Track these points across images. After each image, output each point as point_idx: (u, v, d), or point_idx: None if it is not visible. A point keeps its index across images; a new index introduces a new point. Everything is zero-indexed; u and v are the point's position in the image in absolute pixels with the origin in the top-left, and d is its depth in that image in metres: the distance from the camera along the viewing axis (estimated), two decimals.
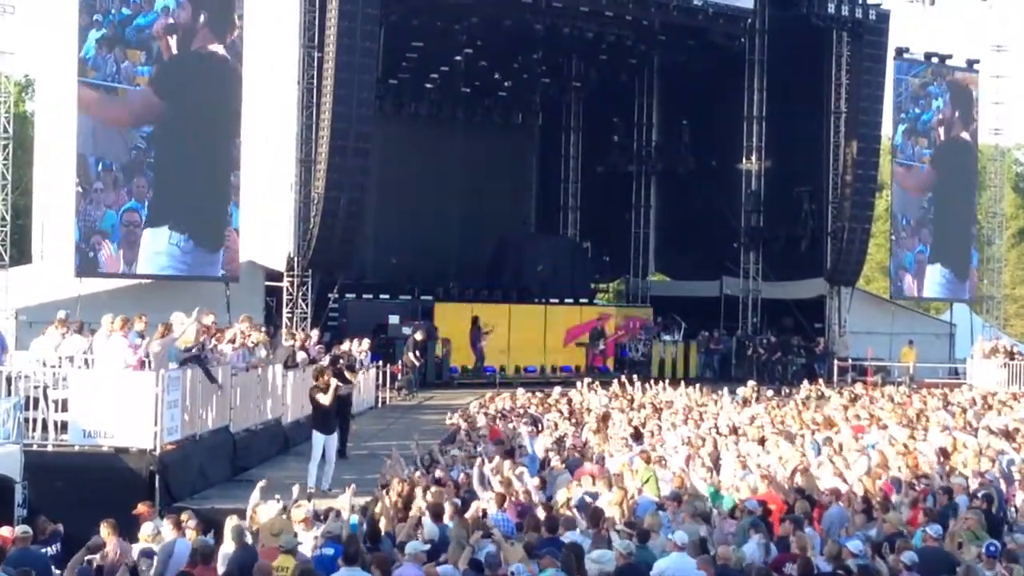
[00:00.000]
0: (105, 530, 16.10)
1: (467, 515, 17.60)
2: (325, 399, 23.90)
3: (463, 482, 20.71)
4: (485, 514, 17.80)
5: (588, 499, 19.02)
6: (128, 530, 16.87)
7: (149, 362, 22.48)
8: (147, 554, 15.74)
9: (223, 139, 38.83)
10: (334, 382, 24.40)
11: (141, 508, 17.70)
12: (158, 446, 21.81)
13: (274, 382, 28.69)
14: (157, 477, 21.49)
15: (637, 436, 25.86)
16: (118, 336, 22.84)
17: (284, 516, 17.20)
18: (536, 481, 20.38)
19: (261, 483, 19.04)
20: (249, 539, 16.14)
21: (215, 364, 24.96)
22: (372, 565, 14.60)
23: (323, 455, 23.67)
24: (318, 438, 23.74)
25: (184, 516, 17.09)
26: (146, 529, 16.67)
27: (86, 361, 22.94)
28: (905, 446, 24.03)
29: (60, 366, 22.69)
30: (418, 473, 21.50)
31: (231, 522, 16.77)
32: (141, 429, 21.85)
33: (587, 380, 37.52)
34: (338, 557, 15.15)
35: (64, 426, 22.12)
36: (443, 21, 46.20)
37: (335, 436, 24.32)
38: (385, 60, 44.57)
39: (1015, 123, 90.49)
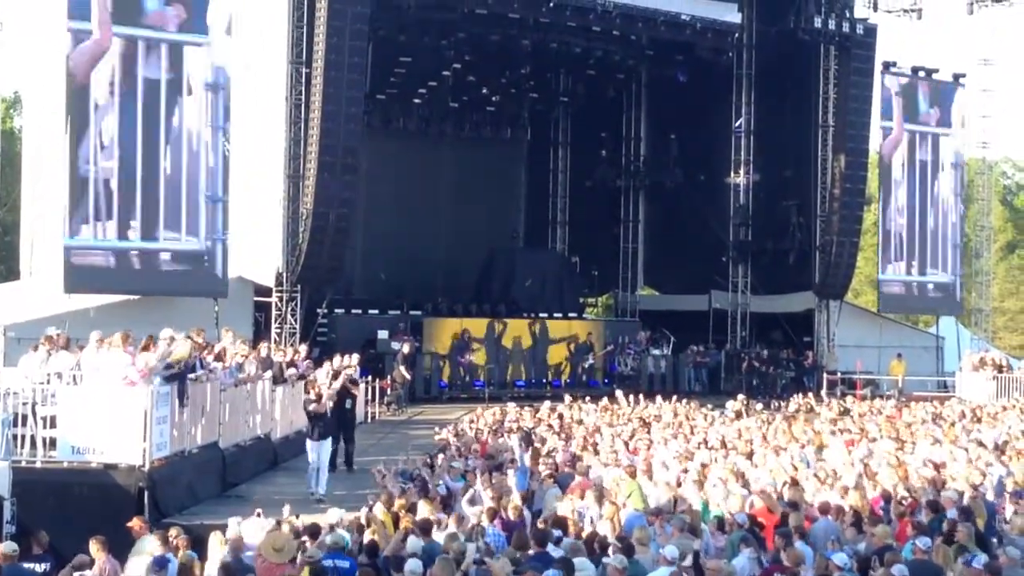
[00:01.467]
0: (95, 547, 16.04)
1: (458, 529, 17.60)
2: (319, 407, 25.36)
3: (456, 494, 20.75)
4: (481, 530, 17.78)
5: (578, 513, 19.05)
6: (117, 547, 16.81)
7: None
8: (160, 563, 15.66)
9: None
10: (326, 391, 25.49)
11: (135, 523, 17.66)
12: (147, 462, 21.78)
13: (263, 398, 28.67)
14: (146, 493, 21.46)
15: (626, 450, 25.90)
16: (119, 351, 22.80)
17: (282, 531, 17.15)
18: (517, 494, 20.36)
19: (258, 511, 18.89)
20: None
21: (204, 381, 24.94)
22: None
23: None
24: (310, 445, 25.00)
25: (173, 532, 17.04)
26: (150, 545, 16.59)
27: (74, 378, 22.88)
28: (895, 459, 24.03)
29: (48, 383, 22.62)
30: (407, 488, 21.46)
31: (216, 538, 16.75)
32: (130, 445, 21.83)
33: (567, 397, 37.41)
34: (353, 569, 15.29)
35: (53, 442, 22.08)
36: (431, 37, 46.19)
37: (328, 443, 25.35)
38: (373, 76, 44.56)
39: (1002, 136, 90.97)
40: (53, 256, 37.87)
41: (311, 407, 25.54)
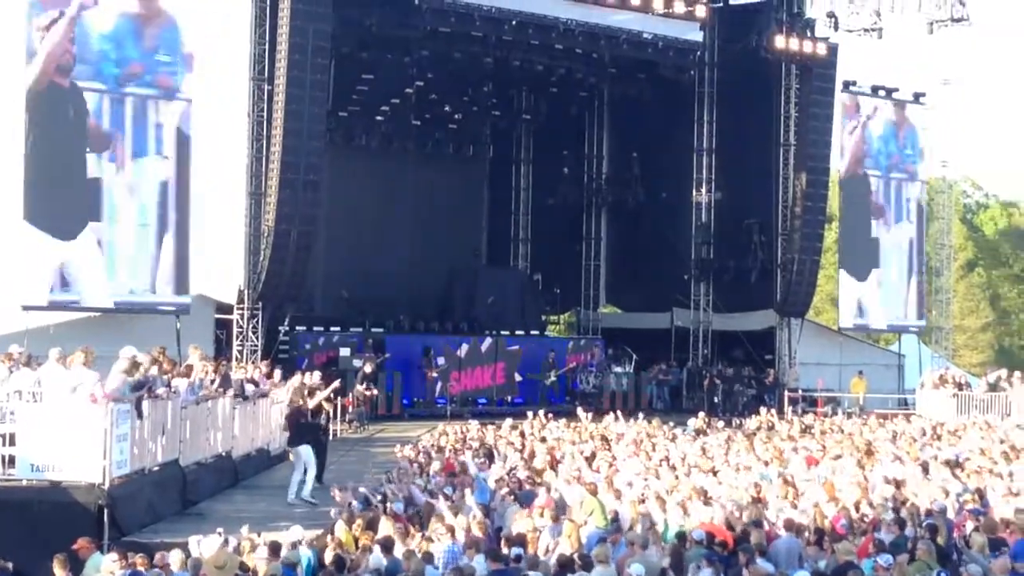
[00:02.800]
0: (56, 565, 15.98)
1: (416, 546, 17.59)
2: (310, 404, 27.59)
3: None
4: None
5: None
6: (79, 565, 16.75)
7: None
8: None
9: None
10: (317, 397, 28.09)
11: (81, 543, 17.56)
12: (107, 480, 21.64)
13: (224, 415, 28.56)
14: (106, 511, 21.32)
15: (589, 468, 25.92)
16: (82, 368, 22.64)
17: (230, 549, 17.11)
18: (477, 512, 20.34)
19: (219, 530, 18.83)
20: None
21: (165, 398, 24.83)
22: None
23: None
24: (307, 450, 26.33)
25: (137, 558, 16.93)
26: (106, 563, 16.50)
27: (33, 395, 22.72)
28: (856, 477, 24.11)
29: (8, 400, 22.46)
30: (368, 506, 21.45)
31: (175, 556, 16.69)
32: (90, 463, 21.68)
33: (530, 413, 37.45)
34: None
35: (11, 460, 21.91)
36: (393, 54, 46.25)
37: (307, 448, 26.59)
38: (335, 93, 44.52)
39: (962, 155, 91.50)
40: (9, 272, 37.65)
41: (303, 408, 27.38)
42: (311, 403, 27.93)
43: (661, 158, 53.81)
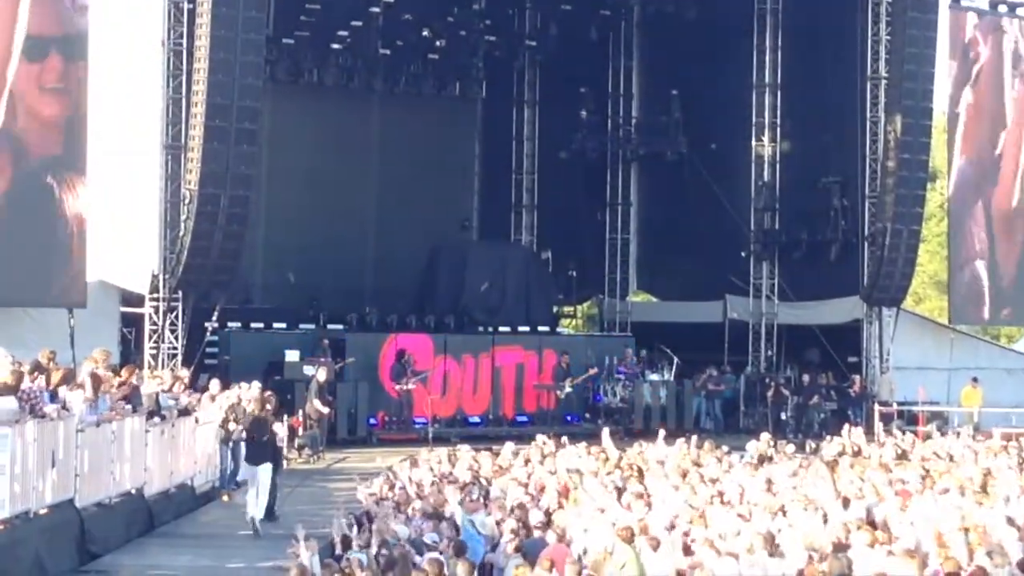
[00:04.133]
0: None
1: None
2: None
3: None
4: None
5: None
6: None
7: None
8: None
9: None
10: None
11: None
12: None
13: (134, 441, 28.54)
14: None
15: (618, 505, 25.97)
16: None
17: None
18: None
19: None
20: None
21: (53, 419, 24.81)
22: None
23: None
24: (268, 471, 28.47)
25: None
26: None
27: None
28: (970, 517, 24.16)
29: None
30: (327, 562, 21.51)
31: None
32: None
33: (539, 435, 37.56)
34: None
35: None
36: None
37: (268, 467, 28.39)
38: (278, 12, 44.55)
39: None
40: None
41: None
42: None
43: (709, 97, 53.82)
